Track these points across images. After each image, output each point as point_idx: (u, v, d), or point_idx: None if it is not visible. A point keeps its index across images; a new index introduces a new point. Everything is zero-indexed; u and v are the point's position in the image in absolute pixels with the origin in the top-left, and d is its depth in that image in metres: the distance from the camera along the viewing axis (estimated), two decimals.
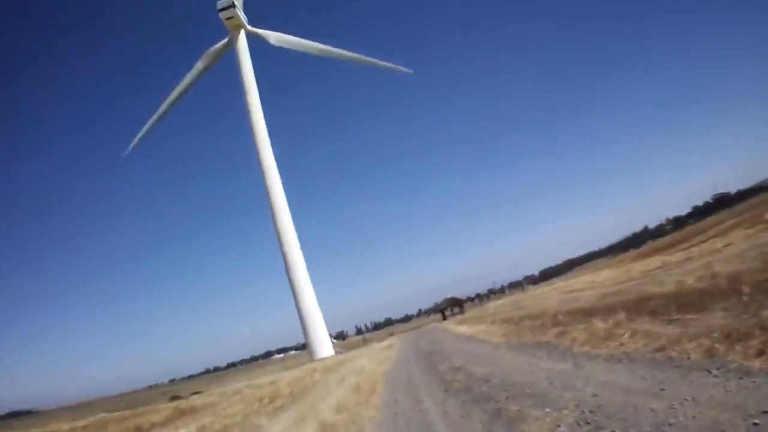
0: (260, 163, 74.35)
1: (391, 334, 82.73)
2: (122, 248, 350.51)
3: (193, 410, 27.40)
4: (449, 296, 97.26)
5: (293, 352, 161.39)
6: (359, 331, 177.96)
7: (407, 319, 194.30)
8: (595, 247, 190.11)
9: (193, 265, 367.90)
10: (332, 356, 62.13)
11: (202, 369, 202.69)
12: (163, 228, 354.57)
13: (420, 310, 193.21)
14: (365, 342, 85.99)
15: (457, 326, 37.10)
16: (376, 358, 28.09)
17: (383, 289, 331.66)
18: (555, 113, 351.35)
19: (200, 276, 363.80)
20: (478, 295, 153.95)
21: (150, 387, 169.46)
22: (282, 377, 35.85)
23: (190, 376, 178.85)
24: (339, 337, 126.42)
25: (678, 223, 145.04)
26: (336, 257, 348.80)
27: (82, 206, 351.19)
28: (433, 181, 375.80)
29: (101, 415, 33.81)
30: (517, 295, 68.22)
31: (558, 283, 63.43)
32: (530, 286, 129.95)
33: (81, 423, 29.42)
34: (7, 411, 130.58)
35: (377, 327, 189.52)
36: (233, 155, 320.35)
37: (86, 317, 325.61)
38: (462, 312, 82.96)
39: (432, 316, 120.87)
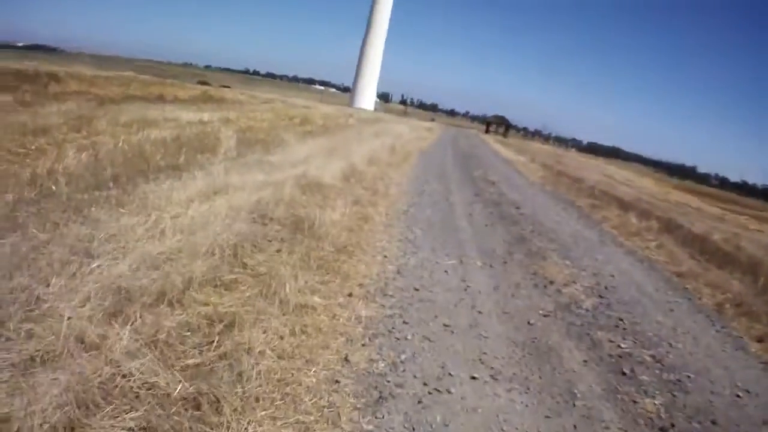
0: None
1: (433, 120, 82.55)
2: None
3: (220, 100, 26.35)
4: (499, 114, 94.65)
5: (333, 90, 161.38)
6: (403, 102, 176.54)
7: (452, 114, 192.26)
8: (641, 152, 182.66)
9: None
10: (371, 111, 62.73)
11: (241, 67, 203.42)
12: None
13: (468, 112, 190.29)
14: (406, 114, 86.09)
15: (498, 145, 37.09)
16: (415, 132, 28.20)
17: (445, 74, 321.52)
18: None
19: None
20: (525, 129, 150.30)
21: (184, 65, 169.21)
22: (317, 107, 35.69)
23: (227, 69, 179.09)
24: (382, 98, 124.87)
25: (723, 183, 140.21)
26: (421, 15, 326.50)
27: None
28: None
29: (129, 73, 32.14)
30: (560, 151, 66.53)
31: (598, 163, 61.49)
32: (573, 150, 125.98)
33: (105, 73, 27.40)
34: (31, 43, 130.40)
35: (422, 107, 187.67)
36: None
37: None
38: (505, 136, 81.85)
39: (475, 124, 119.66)
